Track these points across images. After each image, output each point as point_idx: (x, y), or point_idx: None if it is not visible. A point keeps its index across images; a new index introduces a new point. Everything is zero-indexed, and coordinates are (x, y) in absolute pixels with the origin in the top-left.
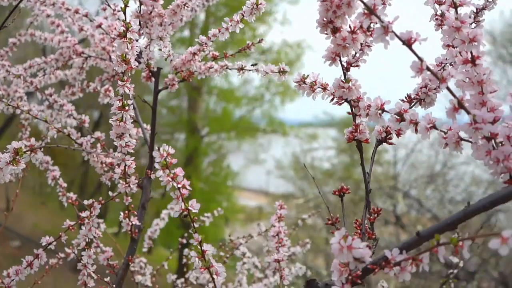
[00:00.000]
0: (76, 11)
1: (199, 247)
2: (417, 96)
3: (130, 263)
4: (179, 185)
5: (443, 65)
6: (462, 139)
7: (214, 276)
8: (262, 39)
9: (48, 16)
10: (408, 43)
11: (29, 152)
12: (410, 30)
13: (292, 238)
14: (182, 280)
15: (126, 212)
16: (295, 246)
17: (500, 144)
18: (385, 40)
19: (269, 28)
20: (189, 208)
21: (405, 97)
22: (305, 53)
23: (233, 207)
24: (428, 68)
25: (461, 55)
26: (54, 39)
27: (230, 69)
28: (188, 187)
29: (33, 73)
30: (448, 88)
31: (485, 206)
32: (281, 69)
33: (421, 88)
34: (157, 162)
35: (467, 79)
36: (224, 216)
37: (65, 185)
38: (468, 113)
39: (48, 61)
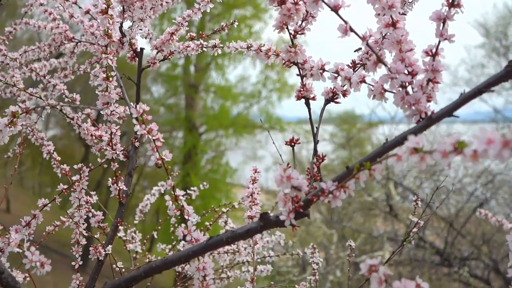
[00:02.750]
0: None
1: (173, 192)
2: (361, 62)
3: (118, 225)
4: (154, 138)
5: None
6: (385, 90)
7: (186, 217)
8: (234, 21)
9: (41, 4)
10: (335, 9)
11: (24, 114)
12: None
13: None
14: (170, 246)
15: (114, 178)
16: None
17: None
18: (316, 7)
19: (265, 25)
20: (163, 157)
21: (350, 62)
22: None
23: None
24: (351, 29)
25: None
26: (47, 26)
27: (205, 47)
28: (162, 140)
29: (31, 60)
30: (368, 45)
31: (399, 141)
32: (249, 45)
33: (364, 54)
34: (134, 118)
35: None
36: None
37: (59, 158)
38: (386, 65)
39: (42, 46)
